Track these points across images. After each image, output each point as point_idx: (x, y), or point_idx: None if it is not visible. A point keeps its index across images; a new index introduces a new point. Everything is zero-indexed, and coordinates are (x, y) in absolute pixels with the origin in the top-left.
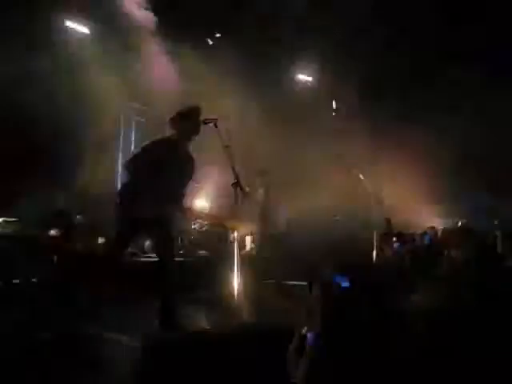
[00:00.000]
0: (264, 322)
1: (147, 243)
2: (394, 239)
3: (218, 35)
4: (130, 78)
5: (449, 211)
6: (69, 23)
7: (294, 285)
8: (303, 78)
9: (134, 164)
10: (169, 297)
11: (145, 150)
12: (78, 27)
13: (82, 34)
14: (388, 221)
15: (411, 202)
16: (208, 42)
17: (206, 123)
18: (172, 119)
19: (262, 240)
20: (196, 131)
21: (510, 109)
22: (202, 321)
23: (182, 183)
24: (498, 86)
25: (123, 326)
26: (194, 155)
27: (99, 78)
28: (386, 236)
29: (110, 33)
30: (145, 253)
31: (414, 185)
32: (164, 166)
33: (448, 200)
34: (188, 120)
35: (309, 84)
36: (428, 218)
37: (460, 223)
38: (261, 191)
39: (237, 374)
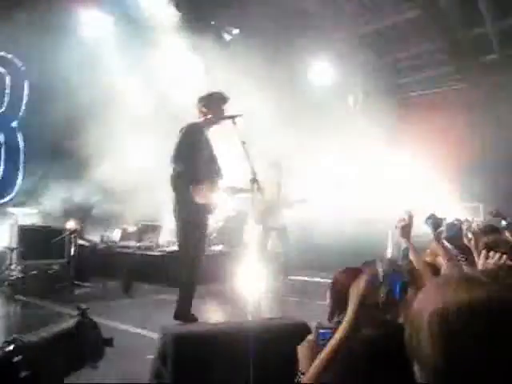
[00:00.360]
0: (280, 318)
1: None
2: None
3: (235, 31)
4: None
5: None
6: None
7: (308, 281)
8: (320, 74)
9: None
10: (187, 289)
11: (187, 134)
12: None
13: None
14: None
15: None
16: (225, 38)
17: (225, 119)
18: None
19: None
20: (217, 118)
21: None
22: (219, 314)
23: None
24: None
25: (141, 318)
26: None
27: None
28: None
29: (132, 28)
30: (159, 246)
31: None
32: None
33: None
34: (212, 105)
35: (326, 81)
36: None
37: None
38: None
39: (250, 369)
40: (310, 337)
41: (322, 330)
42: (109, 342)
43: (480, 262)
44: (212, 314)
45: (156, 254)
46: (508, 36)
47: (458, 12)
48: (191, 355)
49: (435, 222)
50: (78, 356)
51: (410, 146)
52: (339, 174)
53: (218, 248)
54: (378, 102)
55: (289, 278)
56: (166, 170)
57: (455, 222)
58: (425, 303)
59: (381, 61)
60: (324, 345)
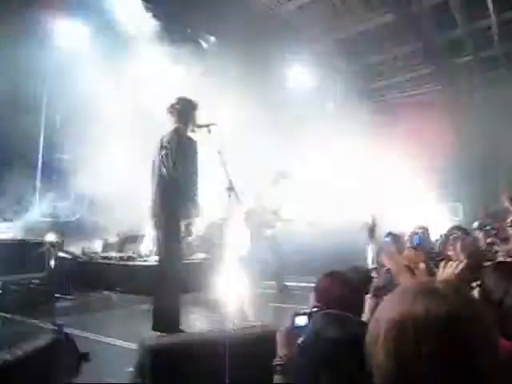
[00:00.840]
0: (261, 324)
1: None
2: None
3: (212, 38)
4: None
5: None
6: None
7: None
8: (299, 77)
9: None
10: (167, 299)
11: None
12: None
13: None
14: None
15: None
16: (203, 46)
17: (200, 127)
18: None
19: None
20: (188, 125)
21: None
22: (201, 323)
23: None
24: None
25: (122, 330)
26: None
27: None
28: None
29: (109, 38)
30: (141, 256)
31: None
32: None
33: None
34: (183, 112)
35: (305, 84)
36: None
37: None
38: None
39: (226, 380)
40: (288, 323)
41: (297, 318)
42: (85, 357)
43: (439, 272)
44: (194, 323)
45: (137, 264)
46: (481, 38)
47: (432, 15)
48: (168, 367)
49: (394, 238)
50: (53, 373)
51: (386, 148)
52: (317, 178)
53: (200, 256)
54: (355, 106)
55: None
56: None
57: (417, 231)
58: (383, 312)
59: (357, 64)
60: (299, 332)
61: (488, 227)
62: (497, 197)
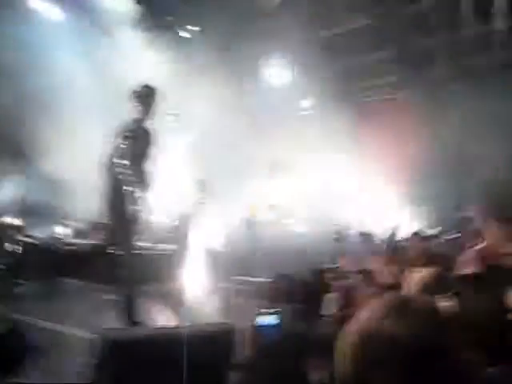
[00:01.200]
0: (224, 321)
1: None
2: None
3: (190, 27)
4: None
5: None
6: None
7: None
8: (275, 75)
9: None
10: (129, 291)
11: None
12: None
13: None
14: None
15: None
16: (182, 36)
17: (169, 117)
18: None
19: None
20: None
21: None
22: (166, 315)
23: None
24: None
25: (82, 319)
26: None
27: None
28: None
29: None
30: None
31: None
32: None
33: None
34: (143, 99)
35: (281, 82)
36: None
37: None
38: None
39: (183, 373)
40: (252, 323)
41: (260, 317)
42: (34, 350)
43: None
44: (159, 315)
45: (103, 252)
46: (455, 48)
47: (409, 24)
48: (125, 359)
49: (366, 238)
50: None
51: (360, 150)
52: (293, 177)
53: (172, 247)
54: (331, 107)
55: (237, 278)
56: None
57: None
58: (354, 324)
59: (334, 66)
60: (261, 330)
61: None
62: (468, 200)
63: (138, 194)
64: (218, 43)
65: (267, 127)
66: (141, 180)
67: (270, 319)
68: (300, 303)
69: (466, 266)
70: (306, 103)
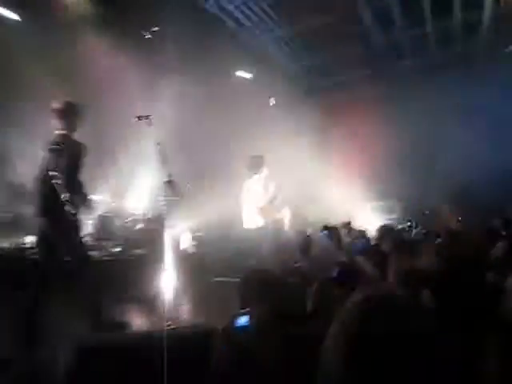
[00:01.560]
0: (196, 323)
1: None
2: None
3: (155, 29)
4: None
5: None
6: None
7: (229, 282)
8: (242, 74)
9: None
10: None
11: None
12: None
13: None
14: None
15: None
16: (144, 36)
17: (139, 119)
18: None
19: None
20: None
21: None
22: (137, 320)
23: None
24: None
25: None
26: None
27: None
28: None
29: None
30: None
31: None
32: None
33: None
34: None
35: (247, 80)
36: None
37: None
38: None
39: (168, 376)
40: (228, 323)
41: (236, 318)
42: None
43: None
44: (130, 321)
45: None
46: (420, 43)
47: (373, 19)
48: (96, 368)
49: (330, 233)
50: None
51: (327, 146)
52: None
53: (138, 251)
54: (297, 104)
55: (214, 279)
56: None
57: (358, 234)
58: (340, 320)
59: (299, 63)
60: (238, 331)
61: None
62: (434, 195)
63: (75, 203)
64: (182, 42)
65: (238, 125)
66: (76, 190)
67: (243, 320)
68: (274, 302)
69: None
70: (273, 101)
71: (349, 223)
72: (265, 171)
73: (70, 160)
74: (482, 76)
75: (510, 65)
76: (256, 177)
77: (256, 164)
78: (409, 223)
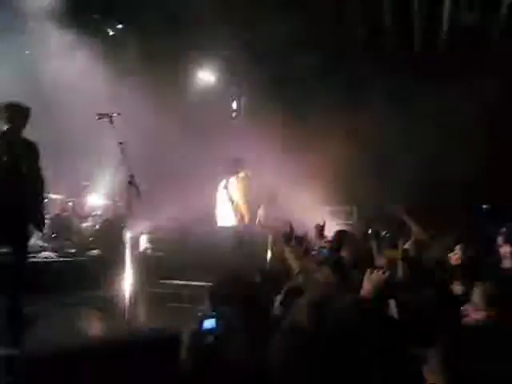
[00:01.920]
0: (152, 328)
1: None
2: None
3: (119, 26)
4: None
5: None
6: None
7: (186, 285)
8: (205, 76)
9: None
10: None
11: None
12: None
13: None
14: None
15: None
16: (108, 32)
17: (100, 118)
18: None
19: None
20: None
21: None
22: (94, 324)
23: None
24: None
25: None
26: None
27: None
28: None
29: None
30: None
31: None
32: None
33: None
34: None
35: (210, 83)
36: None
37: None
38: None
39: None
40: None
41: (204, 320)
42: None
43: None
44: (86, 324)
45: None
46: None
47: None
48: (47, 378)
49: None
50: None
51: (286, 151)
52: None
53: (94, 253)
54: (260, 109)
55: (166, 282)
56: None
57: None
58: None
59: (261, 68)
60: (206, 332)
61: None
62: (392, 199)
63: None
64: (147, 43)
65: (202, 128)
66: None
67: (208, 323)
68: (241, 305)
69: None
70: (235, 105)
71: (322, 226)
72: (242, 173)
73: (15, 159)
74: None
75: None
76: (232, 178)
77: (233, 165)
78: (370, 230)
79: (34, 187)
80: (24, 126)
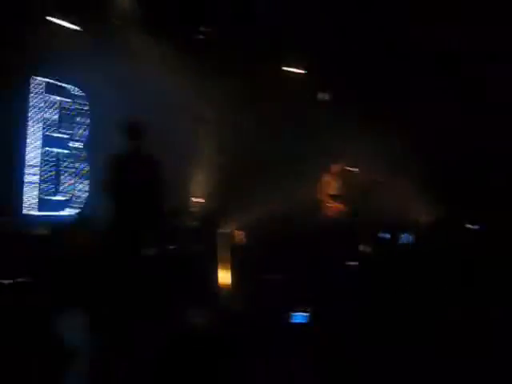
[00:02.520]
0: None
1: None
2: None
3: (203, 29)
4: None
5: None
6: None
7: None
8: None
9: None
10: None
11: None
12: None
13: None
14: None
15: None
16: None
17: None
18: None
19: None
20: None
21: None
22: None
23: None
24: None
25: None
26: None
27: None
28: None
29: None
30: None
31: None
32: None
33: None
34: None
35: (297, 75)
36: None
37: None
38: None
39: None
40: None
41: None
42: None
43: None
44: None
45: None
46: None
47: None
48: None
49: None
50: None
51: None
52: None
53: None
54: None
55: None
56: None
57: None
58: None
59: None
60: None
61: None
62: None
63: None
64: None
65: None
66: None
67: None
68: None
69: None
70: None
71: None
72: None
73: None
74: None
75: None
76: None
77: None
78: None
79: (158, 199)
80: (143, 140)
